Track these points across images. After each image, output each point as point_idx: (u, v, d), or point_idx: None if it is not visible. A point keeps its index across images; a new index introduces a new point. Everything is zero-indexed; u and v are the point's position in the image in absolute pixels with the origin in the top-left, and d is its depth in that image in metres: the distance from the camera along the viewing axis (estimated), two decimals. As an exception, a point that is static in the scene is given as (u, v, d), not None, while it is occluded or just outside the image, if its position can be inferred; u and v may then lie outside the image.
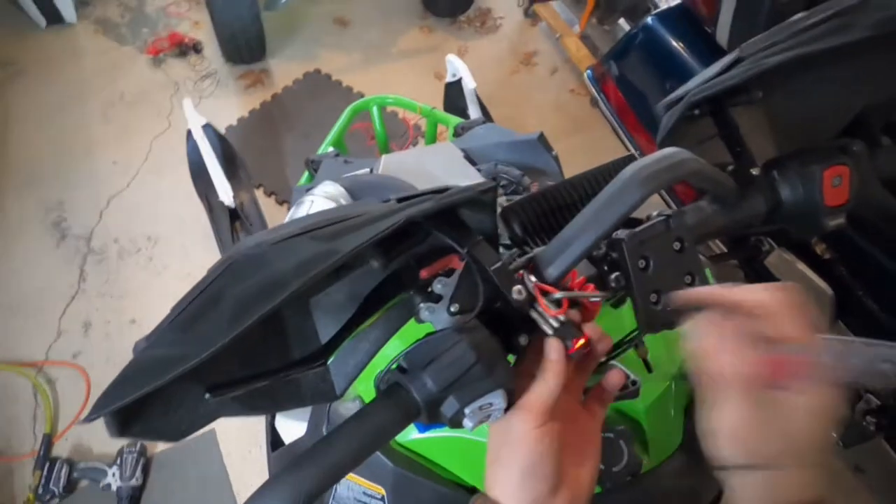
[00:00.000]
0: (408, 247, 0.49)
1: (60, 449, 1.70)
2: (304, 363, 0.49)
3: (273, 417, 1.05)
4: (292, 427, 0.94)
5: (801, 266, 1.40)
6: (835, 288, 1.39)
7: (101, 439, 1.72)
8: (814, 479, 0.41)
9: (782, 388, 0.41)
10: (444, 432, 0.69)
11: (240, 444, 1.72)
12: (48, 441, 1.68)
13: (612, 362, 0.63)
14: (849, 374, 0.37)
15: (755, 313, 0.41)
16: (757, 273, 1.48)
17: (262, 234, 0.42)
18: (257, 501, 0.39)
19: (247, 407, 0.47)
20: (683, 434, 0.73)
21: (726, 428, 0.42)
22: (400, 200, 0.47)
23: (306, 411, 0.91)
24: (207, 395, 0.43)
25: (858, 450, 1.39)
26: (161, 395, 0.42)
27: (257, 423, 1.75)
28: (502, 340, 0.47)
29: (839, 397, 0.40)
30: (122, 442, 1.67)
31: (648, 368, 0.71)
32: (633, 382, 0.70)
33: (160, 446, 1.71)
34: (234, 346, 0.37)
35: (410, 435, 0.70)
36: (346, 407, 0.75)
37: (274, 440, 1.05)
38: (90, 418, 0.37)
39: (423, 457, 0.71)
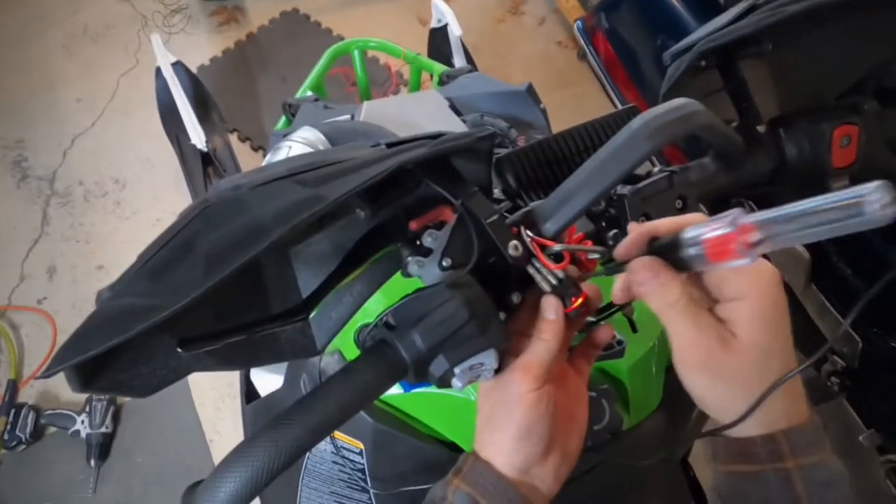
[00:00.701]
0: (397, 196, 0.46)
1: (26, 396, 1.66)
2: (284, 317, 0.47)
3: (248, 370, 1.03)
4: (268, 380, 0.92)
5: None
6: (811, 253, 1.41)
7: (68, 387, 1.68)
8: (796, 396, 0.41)
9: (719, 302, 0.41)
10: (426, 389, 0.68)
11: (213, 392, 1.71)
12: (13, 387, 1.64)
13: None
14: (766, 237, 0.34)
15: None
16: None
17: (240, 175, 0.38)
18: (240, 457, 0.37)
19: (222, 362, 0.45)
20: (664, 393, 0.73)
21: (683, 355, 0.41)
22: (390, 146, 0.44)
23: (283, 364, 0.89)
24: (179, 350, 0.40)
25: (821, 409, 1.44)
26: (129, 349, 0.39)
27: (231, 374, 1.73)
28: (494, 298, 0.45)
29: (779, 289, 0.40)
30: (90, 389, 1.64)
31: (633, 328, 0.70)
32: (619, 342, 0.69)
33: (131, 394, 1.68)
34: (209, 297, 0.34)
35: (391, 391, 0.69)
36: (326, 361, 0.73)
37: (248, 392, 1.03)
38: (49, 372, 0.35)
39: (403, 412, 0.69)
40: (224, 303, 0.43)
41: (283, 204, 0.35)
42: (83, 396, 1.63)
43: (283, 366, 0.89)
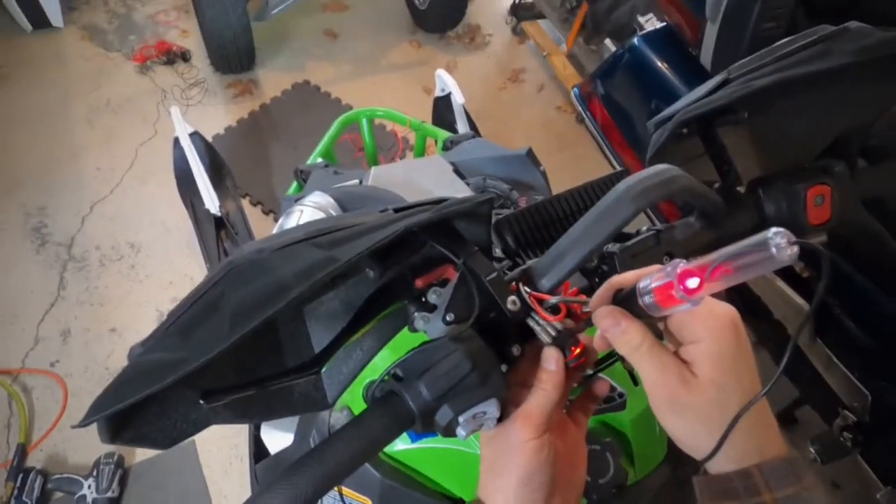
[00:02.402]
0: (403, 256, 0.50)
1: (34, 459, 1.66)
2: (298, 371, 0.50)
3: (257, 429, 1.05)
4: (278, 438, 0.93)
5: (781, 283, 1.43)
6: (815, 307, 1.41)
7: (76, 450, 1.69)
8: (766, 430, 0.43)
9: (680, 343, 0.43)
10: (432, 443, 0.69)
11: (220, 455, 1.70)
12: (22, 451, 1.64)
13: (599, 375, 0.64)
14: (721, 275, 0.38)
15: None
16: (737, 291, 1.51)
17: (262, 240, 0.42)
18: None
19: (239, 414, 0.47)
20: (668, 447, 0.74)
21: (652, 395, 0.44)
22: (397, 210, 0.48)
23: (292, 422, 0.91)
24: (202, 402, 0.43)
25: (835, 466, 1.41)
26: (155, 402, 0.42)
27: (237, 436, 1.73)
28: (495, 350, 0.48)
29: (735, 331, 0.42)
30: (98, 451, 1.63)
31: (634, 381, 0.72)
32: (620, 395, 0.70)
33: (138, 457, 1.68)
34: (232, 352, 0.38)
35: (397, 446, 0.70)
36: (335, 417, 0.75)
37: (258, 451, 1.04)
38: (85, 423, 0.37)
39: (411, 468, 0.70)
40: (242, 358, 0.46)
41: (301, 265, 0.39)
42: (90, 460, 1.62)
43: (294, 424, 0.90)
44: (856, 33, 0.58)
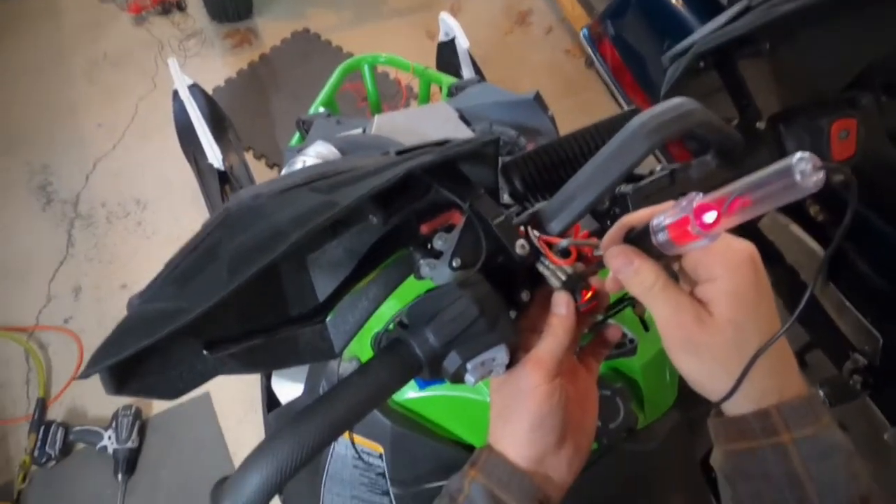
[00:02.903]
0: (407, 201, 0.48)
1: (55, 413, 1.70)
2: (302, 320, 0.49)
3: (269, 379, 1.06)
4: (289, 388, 0.94)
5: (795, 228, 1.40)
6: (827, 249, 1.39)
7: (95, 403, 1.72)
8: (786, 370, 0.42)
9: (696, 283, 0.42)
10: (441, 390, 0.69)
11: (234, 407, 1.73)
12: (42, 404, 1.68)
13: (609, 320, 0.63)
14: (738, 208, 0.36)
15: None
16: (750, 235, 1.49)
17: (259, 185, 0.41)
18: (266, 451, 0.38)
19: (244, 364, 0.47)
20: (678, 393, 0.74)
21: (666, 336, 0.42)
22: (400, 153, 0.46)
23: (302, 372, 0.91)
24: (205, 352, 0.43)
25: (844, 408, 1.42)
26: (158, 352, 0.41)
27: (252, 388, 1.76)
28: (504, 296, 0.47)
29: (753, 269, 0.41)
30: (117, 404, 1.67)
31: (646, 327, 0.71)
32: (631, 341, 0.70)
33: (155, 409, 1.71)
34: (232, 301, 0.37)
35: (407, 394, 0.70)
36: (344, 367, 0.75)
37: (270, 402, 1.05)
38: (86, 374, 0.37)
39: (421, 415, 0.71)
40: (246, 307, 0.45)
41: (299, 210, 0.37)
42: (110, 412, 1.66)
43: (304, 375, 0.91)
44: (888, -47, 0.54)
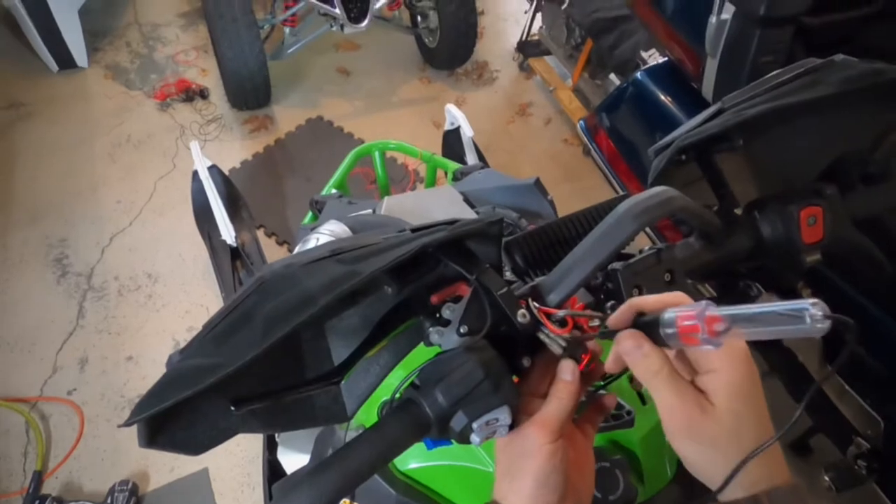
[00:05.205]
0: (419, 274, 0.53)
1: (50, 487, 1.68)
2: (319, 381, 0.53)
3: (272, 453, 1.07)
4: (295, 458, 0.95)
5: (789, 310, 1.43)
6: (826, 335, 1.42)
7: (91, 477, 1.70)
8: (775, 460, 0.44)
9: (698, 374, 0.45)
10: (446, 460, 0.71)
11: (232, 483, 1.70)
12: (38, 478, 1.66)
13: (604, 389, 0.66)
14: (745, 327, 0.39)
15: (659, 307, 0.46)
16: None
17: (290, 257, 0.46)
18: (288, 495, 0.41)
19: (264, 423, 0.50)
20: (677, 467, 0.75)
21: (668, 421, 0.45)
22: (414, 231, 0.52)
23: (309, 443, 0.93)
24: (232, 408, 0.46)
25: (851, 494, 1.40)
26: (189, 408, 0.45)
27: (251, 464, 1.74)
28: (507, 362, 0.51)
29: (749, 364, 0.44)
30: (113, 479, 1.65)
31: (643, 400, 0.73)
32: (628, 412, 0.72)
33: (152, 485, 1.69)
34: (259, 361, 0.41)
35: (412, 464, 0.72)
36: (350, 435, 0.77)
37: (271, 475, 1.05)
38: (128, 423, 0.40)
39: (425, 486, 0.72)
40: (269, 368, 0.49)
41: (327, 278, 0.42)
42: (105, 488, 1.64)
43: (310, 446, 0.92)
44: (841, 65, 0.62)
